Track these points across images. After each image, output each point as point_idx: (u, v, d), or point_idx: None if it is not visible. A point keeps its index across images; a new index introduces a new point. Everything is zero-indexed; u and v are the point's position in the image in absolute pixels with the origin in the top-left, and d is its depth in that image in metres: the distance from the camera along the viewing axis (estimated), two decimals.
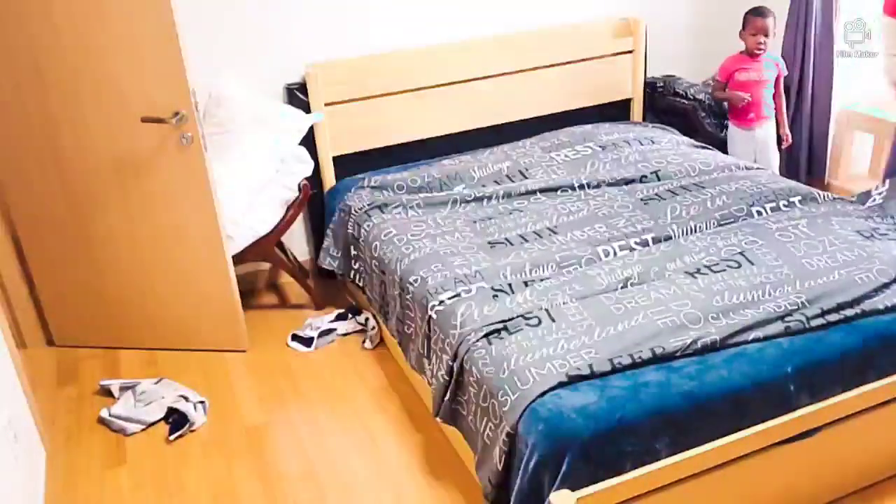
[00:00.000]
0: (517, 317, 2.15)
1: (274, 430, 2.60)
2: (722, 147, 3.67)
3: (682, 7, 3.95)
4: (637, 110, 3.88)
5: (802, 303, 2.13)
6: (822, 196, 2.82)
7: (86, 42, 2.53)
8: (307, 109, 3.18)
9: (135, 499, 2.33)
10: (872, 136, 3.86)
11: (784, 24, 3.73)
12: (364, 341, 3.02)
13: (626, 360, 1.94)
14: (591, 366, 1.92)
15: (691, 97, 3.65)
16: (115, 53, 2.54)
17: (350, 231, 3.04)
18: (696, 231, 2.62)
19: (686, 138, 3.60)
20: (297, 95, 3.22)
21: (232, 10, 3.12)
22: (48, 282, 2.98)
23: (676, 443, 1.84)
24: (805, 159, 3.83)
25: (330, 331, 3.09)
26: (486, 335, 2.10)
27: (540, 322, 2.12)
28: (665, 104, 3.81)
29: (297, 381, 2.84)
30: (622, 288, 2.28)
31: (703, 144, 3.51)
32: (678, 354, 1.97)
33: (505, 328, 2.12)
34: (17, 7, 2.50)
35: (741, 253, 2.40)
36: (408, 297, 2.51)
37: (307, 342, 3.04)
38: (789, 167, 3.88)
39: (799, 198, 2.79)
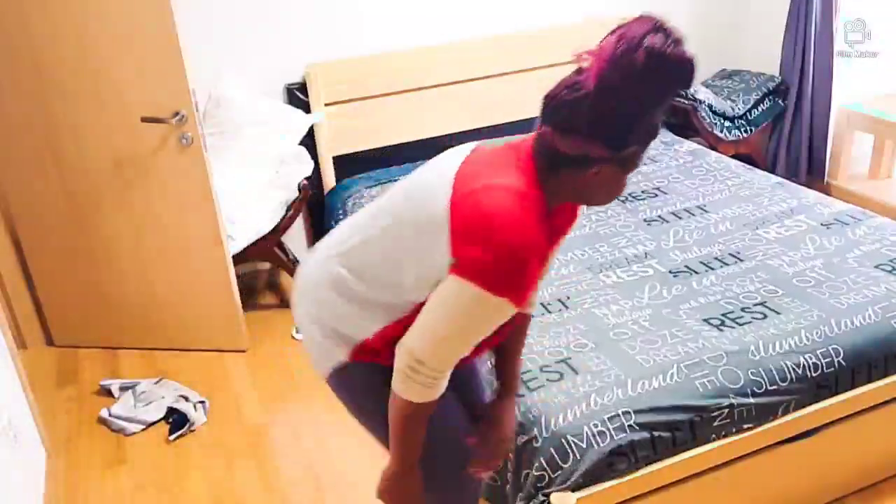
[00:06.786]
0: (536, 369, 1.99)
1: (274, 430, 2.60)
2: (720, 146, 3.68)
3: (682, 7, 3.95)
4: None
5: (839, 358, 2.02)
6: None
7: (86, 42, 2.53)
8: (307, 109, 3.18)
9: (135, 499, 2.34)
10: (872, 136, 3.86)
11: (784, 24, 3.73)
12: None
13: (666, 433, 1.82)
14: (632, 442, 1.79)
15: (691, 97, 3.65)
16: (115, 53, 2.54)
17: None
18: (702, 268, 2.45)
19: (689, 144, 3.61)
20: (297, 95, 3.22)
21: (232, 11, 3.12)
22: (48, 282, 2.98)
23: None
24: (805, 159, 3.83)
25: None
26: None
27: (562, 377, 1.96)
28: None
29: (297, 381, 2.84)
30: (634, 330, 2.14)
31: (704, 149, 3.51)
32: (716, 424, 1.88)
33: (523, 382, 1.92)
34: (17, 7, 2.50)
35: (763, 303, 2.23)
36: None
37: None
38: (789, 167, 3.88)
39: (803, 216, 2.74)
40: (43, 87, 2.62)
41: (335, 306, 1.43)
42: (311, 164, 3.19)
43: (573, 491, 1.72)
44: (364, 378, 1.45)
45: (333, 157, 3.35)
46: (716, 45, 4.07)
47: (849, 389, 2.00)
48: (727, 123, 3.72)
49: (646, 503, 1.82)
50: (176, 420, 2.61)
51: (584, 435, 1.76)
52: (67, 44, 2.54)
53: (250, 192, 2.97)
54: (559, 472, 1.74)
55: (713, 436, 1.87)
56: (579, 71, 1.23)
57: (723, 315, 2.18)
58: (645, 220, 2.82)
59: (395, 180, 3.23)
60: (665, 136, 3.66)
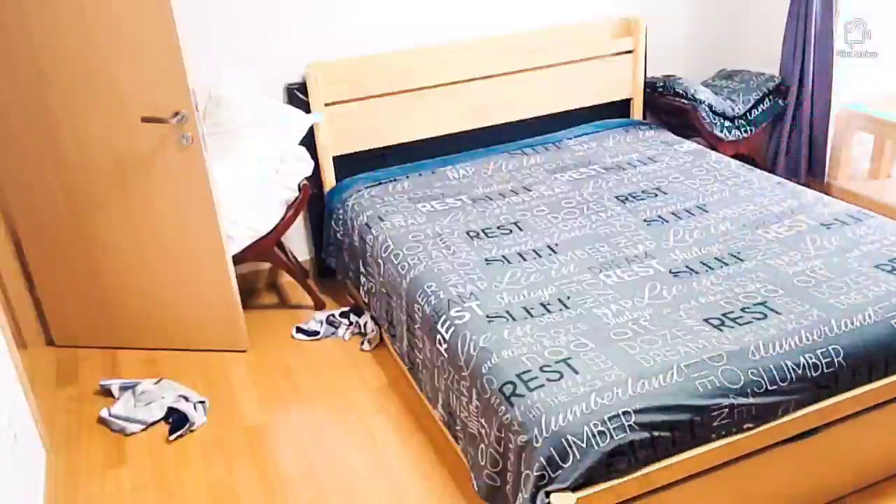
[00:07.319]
0: (536, 369, 1.99)
1: (274, 430, 2.60)
2: (720, 146, 3.68)
3: (682, 7, 3.95)
4: (637, 110, 3.88)
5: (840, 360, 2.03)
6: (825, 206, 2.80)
7: (86, 42, 2.53)
8: (307, 109, 3.18)
9: (135, 499, 2.34)
10: (872, 136, 3.86)
11: (784, 24, 3.73)
12: (362, 343, 3.02)
13: (666, 433, 1.82)
14: (632, 442, 1.79)
15: (691, 97, 3.65)
16: (116, 53, 2.54)
17: (356, 244, 3.03)
18: (702, 267, 2.44)
19: (689, 144, 3.61)
20: (297, 95, 3.22)
21: (232, 10, 3.12)
22: (48, 282, 2.98)
23: None
24: (805, 159, 3.83)
25: (335, 322, 3.12)
26: (506, 396, 1.94)
27: (562, 376, 1.95)
28: (665, 104, 3.82)
29: (297, 381, 2.84)
30: (634, 329, 2.14)
31: (704, 149, 3.52)
32: (716, 424, 1.88)
33: (523, 382, 1.95)
34: (16, 7, 2.50)
35: (763, 303, 2.23)
36: (416, 326, 2.50)
37: (313, 334, 3.08)
38: (789, 167, 3.89)
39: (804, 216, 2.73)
40: (43, 87, 2.62)
41: None
42: (312, 164, 3.19)
43: (573, 491, 1.72)
44: None
45: (333, 157, 3.35)
46: (716, 45, 4.07)
47: (849, 389, 2.00)
48: (727, 123, 3.72)
49: (646, 503, 1.82)
50: (176, 420, 2.61)
51: (584, 435, 1.76)
52: (67, 44, 2.54)
53: (250, 192, 2.97)
54: (559, 472, 1.74)
55: (713, 436, 1.87)
56: None
57: (723, 315, 2.18)
58: (645, 220, 2.82)
59: (395, 180, 3.29)
60: (665, 136, 3.66)
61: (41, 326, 3.12)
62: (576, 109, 3.77)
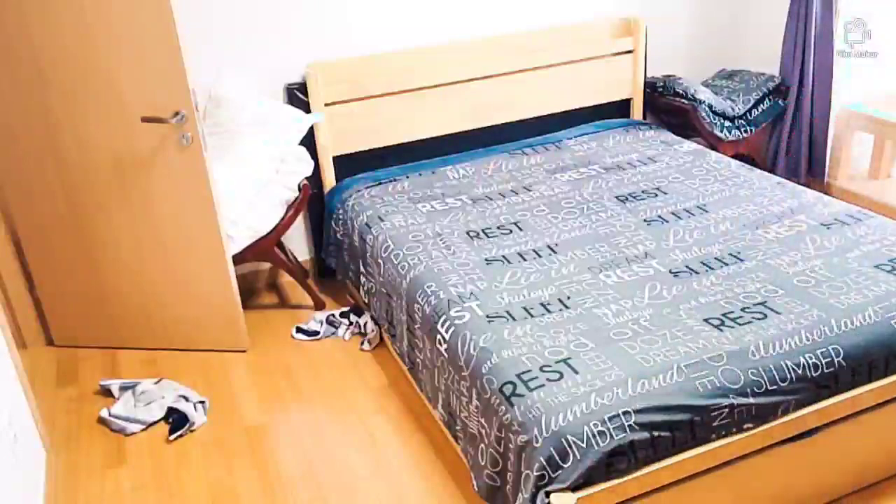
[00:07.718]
0: (536, 369, 1.99)
1: (274, 430, 2.60)
2: (720, 146, 3.68)
3: (682, 7, 3.95)
4: (637, 110, 3.88)
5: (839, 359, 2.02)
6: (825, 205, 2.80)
7: (86, 42, 2.53)
8: (307, 109, 3.18)
9: (135, 499, 2.34)
10: (872, 136, 3.87)
11: (784, 24, 3.73)
12: (362, 343, 3.02)
13: (666, 433, 1.82)
14: (632, 442, 1.79)
15: (691, 97, 3.65)
16: (116, 53, 2.54)
17: (356, 244, 3.03)
18: (702, 267, 2.44)
19: (689, 144, 3.61)
20: (297, 95, 3.22)
21: (232, 10, 3.12)
22: (48, 282, 2.98)
23: None
24: (805, 159, 3.84)
25: (335, 322, 3.12)
26: (507, 396, 1.94)
27: (562, 376, 1.95)
28: (665, 104, 3.82)
29: (297, 381, 2.84)
30: (634, 329, 2.14)
31: (704, 149, 3.52)
32: (716, 424, 1.87)
33: (523, 382, 1.95)
34: (17, 7, 2.50)
35: (763, 303, 2.23)
36: (416, 326, 2.50)
37: (313, 334, 3.08)
38: (789, 167, 3.89)
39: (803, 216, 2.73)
40: (43, 87, 2.62)
41: None
42: (312, 164, 3.19)
43: (573, 491, 1.72)
44: None
45: (333, 157, 3.35)
46: (716, 45, 4.08)
47: (849, 389, 2.00)
48: (727, 123, 3.72)
49: (646, 503, 1.82)
50: (176, 420, 2.61)
51: (584, 435, 1.76)
52: (67, 44, 2.54)
53: (250, 192, 2.97)
54: (559, 472, 1.74)
55: (713, 436, 1.87)
56: None
57: (723, 315, 2.18)
58: (645, 220, 2.82)
59: (395, 180, 3.29)
60: (665, 136, 3.66)
61: (41, 326, 3.12)
62: (576, 109, 3.77)
